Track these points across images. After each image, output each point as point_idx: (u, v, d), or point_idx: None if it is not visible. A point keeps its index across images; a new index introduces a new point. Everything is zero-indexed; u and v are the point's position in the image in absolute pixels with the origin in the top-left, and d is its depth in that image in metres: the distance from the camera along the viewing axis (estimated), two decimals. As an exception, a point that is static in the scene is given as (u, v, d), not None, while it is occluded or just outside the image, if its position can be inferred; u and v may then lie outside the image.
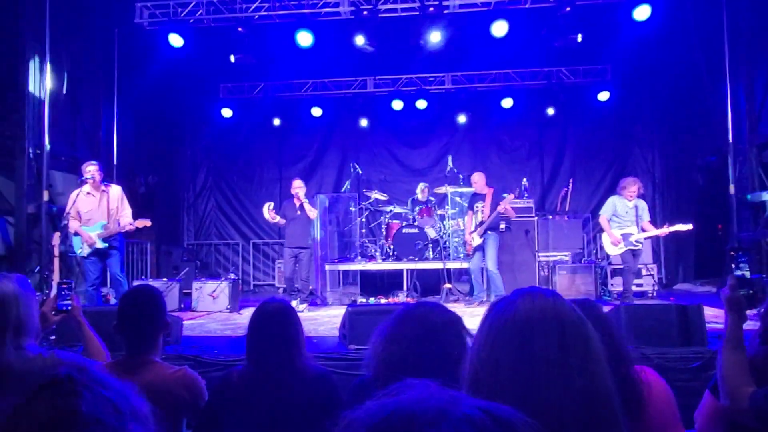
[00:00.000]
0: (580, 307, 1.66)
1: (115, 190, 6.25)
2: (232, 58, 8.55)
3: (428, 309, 1.96)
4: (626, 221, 6.84)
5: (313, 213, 7.62)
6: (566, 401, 0.88)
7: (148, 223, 6.24)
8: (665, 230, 6.86)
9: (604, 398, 0.91)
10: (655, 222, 7.41)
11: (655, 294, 8.29)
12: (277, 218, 7.62)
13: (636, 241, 6.81)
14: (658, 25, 8.12)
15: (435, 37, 8.23)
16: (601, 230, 10.35)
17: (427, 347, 1.91)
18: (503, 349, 0.95)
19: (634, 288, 7.90)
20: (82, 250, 6.07)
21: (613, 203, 6.95)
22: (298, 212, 7.58)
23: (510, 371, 0.92)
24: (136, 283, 7.94)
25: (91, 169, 6.02)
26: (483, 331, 1.00)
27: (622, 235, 6.79)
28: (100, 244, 6.01)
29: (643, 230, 6.83)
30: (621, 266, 7.37)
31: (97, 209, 6.06)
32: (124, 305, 2.27)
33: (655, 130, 10.89)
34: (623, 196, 6.89)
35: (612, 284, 8.13)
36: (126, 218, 6.13)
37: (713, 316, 5.42)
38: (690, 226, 6.79)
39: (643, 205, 6.96)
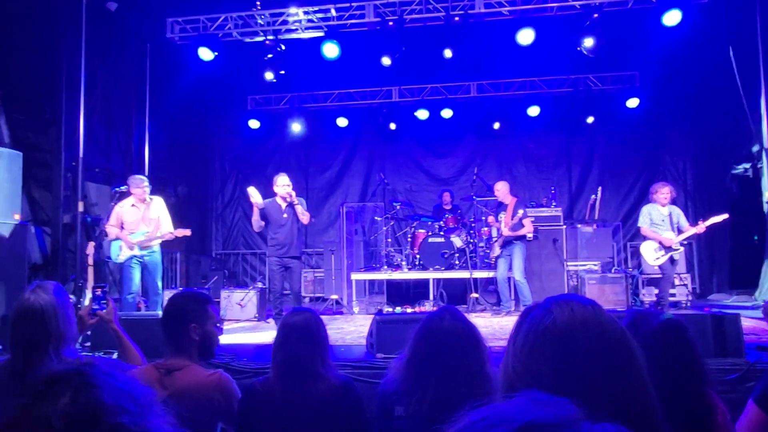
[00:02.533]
0: (661, 327, 1.71)
1: (158, 201, 6.57)
2: (270, 76, 8.62)
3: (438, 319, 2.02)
4: (662, 228, 6.64)
5: (306, 217, 6.31)
6: (609, 417, 0.86)
7: (187, 232, 6.52)
8: (702, 226, 6.52)
9: (649, 414, 0.89)
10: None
11: (689, 304, 8.10)
12: (261, 203, 6.21)
13: (676, 245, 6.60)
14: (688, 30, 7.99)
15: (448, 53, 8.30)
16: (632, 239, 10.27)
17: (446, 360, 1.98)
18: (542, 360, 0.92)
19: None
20: (119, 256, 6.29)
21: (648, 212, 6.73)
22: (285, 215, 6.27)
23: (551, 383, 0.88)
24: (167, 293, 8.08)
25: (142, 185, 6.36)
26: (518, 339, 0.97)
27: (659, 242, 6.59)
28: (137, 251, 6.25)
29: (685, 231, 6.60)
30: (654, 275, 7.21)
31: (140, 219, 6.35)
32: (168, 307, 2.31)
33: (686, 136, 10.68)
34: (657, 202, 6.69)
35: (644, 294, 7.98)
36: (166, 227, 6.42)
37: (749, 328, 5.28)
38: (725, 216, 6.53)
39: (677, 212, 6.73)
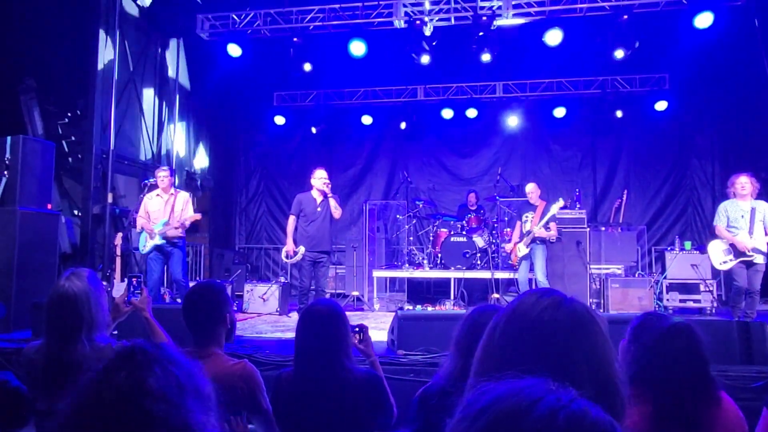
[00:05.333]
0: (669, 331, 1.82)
1: (183, 195, 6.67)
2: (308, 66, 8.54)
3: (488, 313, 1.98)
4: (739, 227, 5.70)
5: (338, 212, 6.69)
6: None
7: (198, 216, 6.56)
8: None
9: (612, 401, 0.90)
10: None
11: (714, 311, 7.96)
12: (299, 252, 6.62)
13: (752, 250, 5.61)
14: (720, 33, 7.86)
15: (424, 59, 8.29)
16: (657, 243, 10.13)
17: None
18: (508, 346, 0.95)
19: (691, 304, 7.63)
20: (144, 247, 6.42)
21: (724, 209, 5.87)
22: (319, 209, 6.55)
23: (516, 369, 0.90)
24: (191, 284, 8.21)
25: (160, 174, 6.48)
26: (492, 326, 1.02)
27: (730, 245, 5.78)
28: (158, 240, 6.33)
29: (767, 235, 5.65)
30: (679, 280, 7.02)
31: (162, 210, 6.45)
32: (192, 298, 2.36)
33: (715, 140, 10.49)
34: (736, 196, 5.78)
35: (668, 299, 7.87)
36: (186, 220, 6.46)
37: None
38: None
39: (763, 208, 5.69)
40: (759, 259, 5.63)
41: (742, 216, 5.71)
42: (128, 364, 0.91)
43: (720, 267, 5.97)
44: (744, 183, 5.72)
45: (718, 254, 5.93)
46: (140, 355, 0.93)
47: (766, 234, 5.64)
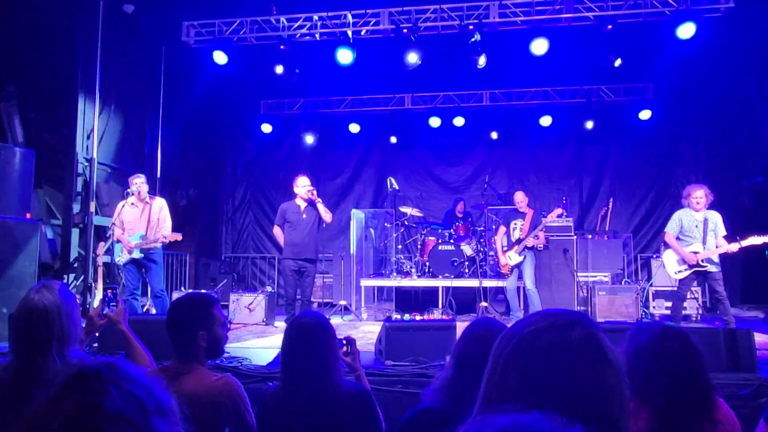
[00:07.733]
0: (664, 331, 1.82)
1: (158, 202, 6.37)
2: (280, 69, 8.44)
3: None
4: (694, 237, 5.80)
5: (328, 215, 6.62)
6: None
7: (178, 237, 6.23)
8: (735, 246, 5.69)
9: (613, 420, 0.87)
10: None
11: (699, 318, 8.00)
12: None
13: (704, 261, 5.74)
14: (703, 43, 7.94)
15: (412, 58, 8.17)
16: (642, 251, 10.18)
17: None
18: (511, 373, 0.92)
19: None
20: (120, 258, 6.18)
21: (678, 218, 5.96)
22: (304, 216, 6.48)
23: (519, 397, 0.87)
24: (175, 294, 8.09)
25: (137, 182, 6.20)
26: (496, 351, 0.98)
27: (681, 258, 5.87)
28: (136, 254, 6.08)
29: (717, 247, 5.78)
30: (666, 288, 7.06)
31: (138, 220, 6.17)
32: (176, 310, 2.29)
33: (699, 149, 10.60)
34: (690, 207, 5.91)
35: (654, 306, 7.90)
36: (165, 230, 6.19)
37: (763, 343, 5.20)
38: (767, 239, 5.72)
39: (715, 218, 5.86)
40: (712, 268, 5.77)
41: (697, 226, 5.84)
42: (78, 391, 0.85)
43: (675, 276, 6.03)
44: (699, 197, 5.85)
45: (672, 264, 6.00)
46: (92, 379, 0.86)
47: (716, 245, 5.78)
